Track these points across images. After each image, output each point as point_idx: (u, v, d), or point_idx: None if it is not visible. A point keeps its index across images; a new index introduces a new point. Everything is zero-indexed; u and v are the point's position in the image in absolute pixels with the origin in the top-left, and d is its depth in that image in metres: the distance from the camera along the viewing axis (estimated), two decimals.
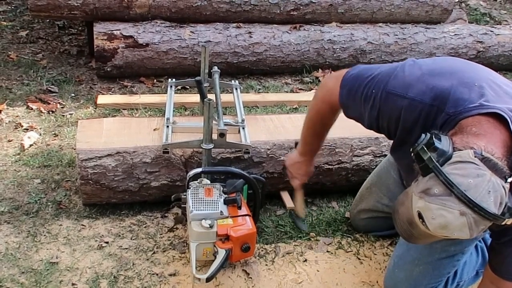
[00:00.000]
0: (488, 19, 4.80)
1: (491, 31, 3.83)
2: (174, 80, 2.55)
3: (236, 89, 2.53)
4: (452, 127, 1.32)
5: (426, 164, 1.19)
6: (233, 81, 2.65)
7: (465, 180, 1.14)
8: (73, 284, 1.81)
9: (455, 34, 3.73)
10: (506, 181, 1.17)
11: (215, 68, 2.42)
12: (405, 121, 1.45)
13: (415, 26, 3.73)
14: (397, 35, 3.61)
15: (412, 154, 1.24)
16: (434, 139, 1.19)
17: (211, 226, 1.72)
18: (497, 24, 4.48)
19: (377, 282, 1.96)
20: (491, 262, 1.53)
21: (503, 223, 1.17)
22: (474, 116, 1.30)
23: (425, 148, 1.20)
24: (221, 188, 1.88)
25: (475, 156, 1.16)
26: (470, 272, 1.86)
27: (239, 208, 1.82)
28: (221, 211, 1.78)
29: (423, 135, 1.24)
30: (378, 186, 2.06)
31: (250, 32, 3.35)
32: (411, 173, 1.34)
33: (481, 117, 1.29)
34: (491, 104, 1.31)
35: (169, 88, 2.47)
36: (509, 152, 1.25)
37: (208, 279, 1.67)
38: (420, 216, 1.20)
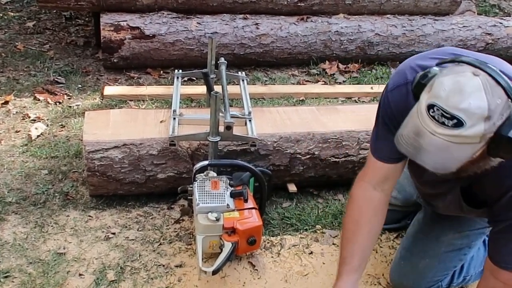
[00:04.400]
0: (497, 10, 4.75)
1: (500, 23, 3.80)
2: (180, 71, 2.55)
3: (242, 80, 2.52)
4: None
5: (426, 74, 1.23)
6: (239, 72, 2.64)
7: (473, 56, 1.21)
8: (80, 275, 1.82)
9: (464, 26, 3.70)
10: None
11: (222, 60, 2.41)
12: (397, 108, 1.42)
13: (423, 17, 3.70)
14: (405, 26, 3.58)
15: (413, 88, 1.25)
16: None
17: (217, 219, 1.72)
18: (507, 16, 4.43)
19: (382, 275, 1.96)
20: (489, 252, 1.51)
21: None
22: None
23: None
24: (228, 181, 1.88)
25: None
26: (477, 267, 1.85)
27: (246, 201, 1.83)
28: (227, 204, 1.78)
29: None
30: None
31: (257, 24, 3.34)
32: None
33: None
34: None
35: (175, 80, 2.47)
36: None
37: (214, 272, 1.67)
38: (430, 107, 1.14)
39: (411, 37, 3.57)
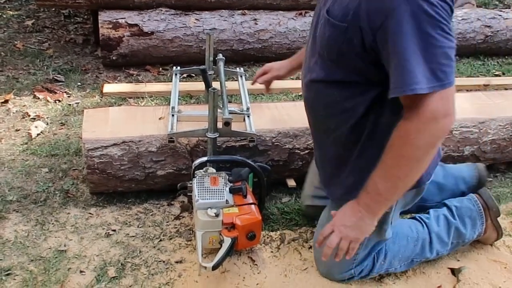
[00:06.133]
0: (497, 2, 4.74)
1: (499, 15, 3.79)
2: (178, 68, 2.55)
3: (241, 76, 2.52)
4: None
5: None
6: (238, 68, 2.64)
7: None
8: (81, 272, 1.83)
9: (463, 19, 3.70)
10: None
11: (220, 56, 2.41)
12: None
13: None
14: None
15: None
16: None
17: (216, 215, 1.73)
18: (506, 8, 4.42)
19: None
20: (392, 87, 1.34)
21: None
22: None
23: None
24: (227, 177, 1.89)
25: None
26: (403, 260, 1.86)
27: (245, 196, 1.83)
28: (226, 200, 1.79)
29: None
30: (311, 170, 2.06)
31: (255, 19, 3.34)
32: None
33: None
34: None
35: (174, 76, 2.47)
36: None
37: (214, 267, 1.68)
38: None
39: None
